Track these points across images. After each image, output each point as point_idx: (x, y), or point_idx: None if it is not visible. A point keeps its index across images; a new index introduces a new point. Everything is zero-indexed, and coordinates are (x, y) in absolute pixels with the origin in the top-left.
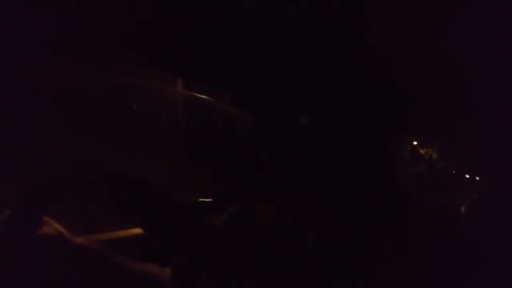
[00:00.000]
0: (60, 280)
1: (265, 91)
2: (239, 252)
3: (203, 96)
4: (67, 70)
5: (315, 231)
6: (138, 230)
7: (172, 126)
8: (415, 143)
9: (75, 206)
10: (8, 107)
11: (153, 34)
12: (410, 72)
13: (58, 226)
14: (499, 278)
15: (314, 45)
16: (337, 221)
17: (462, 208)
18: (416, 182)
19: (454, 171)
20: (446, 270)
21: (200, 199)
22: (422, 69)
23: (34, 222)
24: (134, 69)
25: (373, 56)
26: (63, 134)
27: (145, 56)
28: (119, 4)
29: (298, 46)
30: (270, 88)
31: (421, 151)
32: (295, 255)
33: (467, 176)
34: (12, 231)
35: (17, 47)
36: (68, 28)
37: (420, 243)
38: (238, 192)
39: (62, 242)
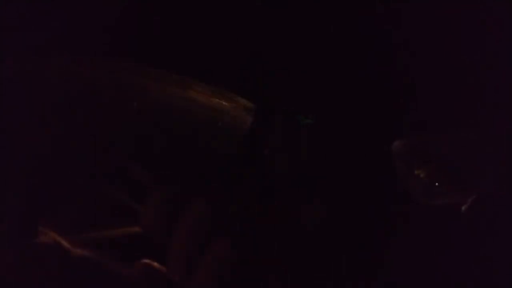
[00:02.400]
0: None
1: (267, 91)
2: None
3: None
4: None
5: (314, 230)
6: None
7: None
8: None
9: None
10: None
11: (156, 31)
12: (414, 72)
13: (55, 235)
14: (499, 278)
15: (316, 45)
16: (337, 221)
17: (462, 208)
18: (416, 182)
19: (454, 171)
20: (446, 270)
21: None
22: (425, 70)
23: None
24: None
25: (377, 57)
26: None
27: (147, 54)
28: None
29: (300, 46)
30: (271, 88)
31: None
32: (294, 253)
33: (467, 176)
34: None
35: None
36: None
37: (420, 243)
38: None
39: (60, 252)
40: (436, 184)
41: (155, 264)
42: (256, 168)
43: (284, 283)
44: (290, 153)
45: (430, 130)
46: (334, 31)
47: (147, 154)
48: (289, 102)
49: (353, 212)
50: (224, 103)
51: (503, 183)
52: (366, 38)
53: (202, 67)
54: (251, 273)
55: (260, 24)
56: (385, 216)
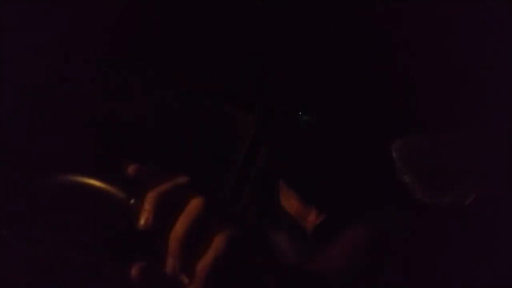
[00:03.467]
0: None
1: (267, 90)
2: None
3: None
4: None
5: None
6: None
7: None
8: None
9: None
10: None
11: (150, 32)
12: (414, 72)
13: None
14: (499, 278)
15: (316, 45)
16: (337, 220)
17: (463, 208)
18: (416, 182)
19: (454, 171)
20: (446, 270)
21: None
22: (425, 70)
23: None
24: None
25: (377, 57)
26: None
27: (147, 54)
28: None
29: (300, 46)
30: (271, 87)
31: None
32: (295, 252)
33: (467, 176)
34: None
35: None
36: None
37: (420, 243)
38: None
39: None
40: (436, 183)
41: (152, 263)
42: (256, 168)
43: (284, 283)
44: (290, 153)
45: (430, 130)
46: (334, 31)
47: (151, 154)
48: (289, 102)
49: (353, 212)
50: (227, 109)
51: (503, 183)
52: (366, 38)
53: (202, 67)
54: (251, 272)
55: (260, 24)
56: (385, 216)
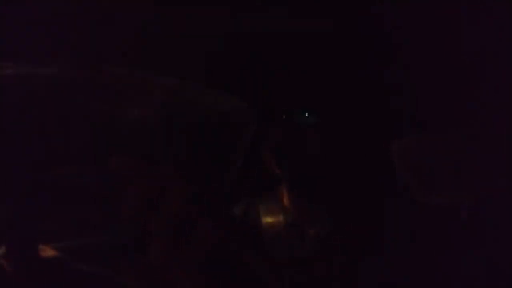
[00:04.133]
0: None
1: (267, 90)
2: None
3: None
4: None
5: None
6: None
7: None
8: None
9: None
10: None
11: (150, 31)
12: (413, 72)
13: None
14: (499, 278)
15: (316, 45)
16: (337, 220)
17: (462, 208)
18: (416, 182)
19: (454, 171)
20: (446, 270)
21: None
22: (424, 70)
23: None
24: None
25: (377, 57)
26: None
27: (147, 54)
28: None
29: (300, 46)
30: (271, 87)
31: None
32: (296, 253)
33: (467, 176)
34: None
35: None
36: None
37: (420, 243)
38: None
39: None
40: (436, 183)
41: (143, 259)
42: (257, 168)
43: (283, 283)
44: (290, 152)
45: (430, 130)
46: (334, 31)
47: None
48: (289, 102)
49: (353, 211)
50: (226, 105)
51: (503, 183)
52: (366, 38)
53: (203, 67)
54: (250, 272)
55: (260, 24)
56: (385, 216)
